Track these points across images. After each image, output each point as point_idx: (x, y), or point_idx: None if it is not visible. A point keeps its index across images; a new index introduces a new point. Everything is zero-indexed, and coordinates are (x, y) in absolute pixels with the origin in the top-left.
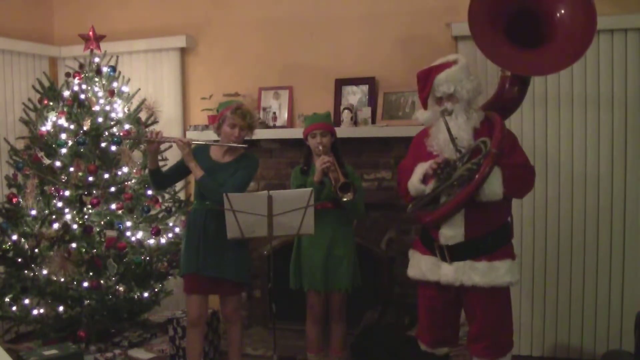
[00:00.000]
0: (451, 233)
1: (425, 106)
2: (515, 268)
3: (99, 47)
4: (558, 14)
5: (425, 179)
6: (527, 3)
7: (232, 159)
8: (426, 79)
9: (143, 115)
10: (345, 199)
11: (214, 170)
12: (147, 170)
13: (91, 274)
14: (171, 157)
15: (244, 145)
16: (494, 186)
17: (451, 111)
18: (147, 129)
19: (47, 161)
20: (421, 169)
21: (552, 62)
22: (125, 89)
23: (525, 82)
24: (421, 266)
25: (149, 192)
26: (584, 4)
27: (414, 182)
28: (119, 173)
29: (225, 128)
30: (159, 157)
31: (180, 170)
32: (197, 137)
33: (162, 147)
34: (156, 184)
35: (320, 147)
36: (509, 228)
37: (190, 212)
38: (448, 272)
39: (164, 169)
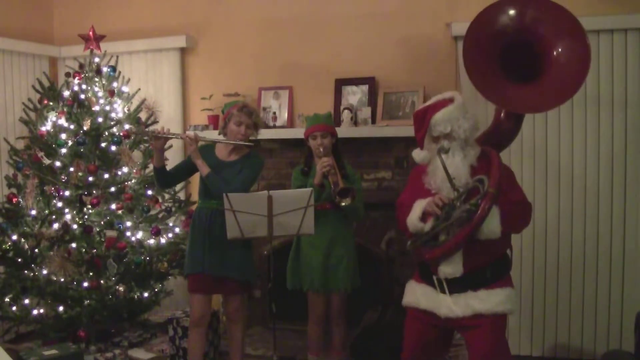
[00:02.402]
0: (450, 270)
1: (421, 145)
2: (514, 297)
3: (98, 47)
4: (554, 51)
5: (424, 217)
6: (521, 37)
7: (238, 158)
8: (423, 118)
9: (143, 115)
10: (343, 204)
11: (220, 168)
12: (151, 169)
13: (91, 274)
14: (171, 157)
15: (250, 144)
16: (492, 225)
17: (448, 149)
18: (147, 129)
19: (47, 161)
20: (419, 207)
21: (546, 100)
22: (125, 89)
23: (520, 115)
24: (417, 294)
25: (149, 192)
26: (580, 41)
27: (413, 220)
28: (119, 173)
29: (231, 126)
30: None
31: (186, 168)
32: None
33: (166, 145)
34: (161, 182)
35: (321, 149)
36: (508, 260)
37: (195, 211)
38: (448, 304)
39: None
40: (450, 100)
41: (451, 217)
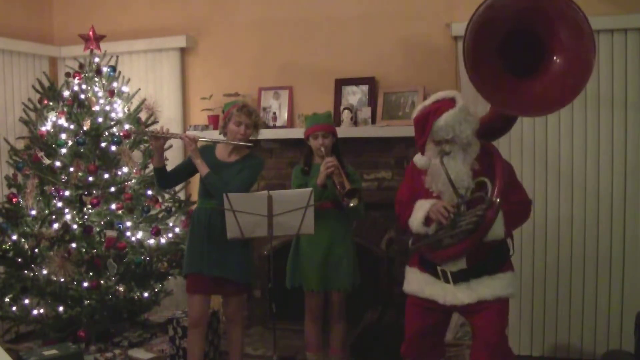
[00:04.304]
0: (454, 268)
1: (422, 151)
2: (516, 280)
3: (99, 47)
4: (557, 43)
5: (427, 220)
6: (523, 28)
7: (238, 159)
8: (424, 124)
9: (143, 115)
10: (352, 204)
11: (220, 169)
12: (151, 169)
13: (91, 274)
14: (171, 157)
15: (249, 144)
16: (497, 230)
17: (449, 152)
18: (147, 129)
19: (47, 161)
20: (422, 210)
21: (548, 100)
22: (125, 89)
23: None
24: (421, 283)
25: (149, 192)
26: (583, 33)
27: (417, 224)
28: (119, 173)
29: (231, 126)
30: None
31: (186, 169)
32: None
33: (165, 145)
34: (161, 183)
35: (323, 149)
36: (507, 246)
37: (194, 211)
38: (453, 292)
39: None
40: (451, 101)
41: (456, 225)
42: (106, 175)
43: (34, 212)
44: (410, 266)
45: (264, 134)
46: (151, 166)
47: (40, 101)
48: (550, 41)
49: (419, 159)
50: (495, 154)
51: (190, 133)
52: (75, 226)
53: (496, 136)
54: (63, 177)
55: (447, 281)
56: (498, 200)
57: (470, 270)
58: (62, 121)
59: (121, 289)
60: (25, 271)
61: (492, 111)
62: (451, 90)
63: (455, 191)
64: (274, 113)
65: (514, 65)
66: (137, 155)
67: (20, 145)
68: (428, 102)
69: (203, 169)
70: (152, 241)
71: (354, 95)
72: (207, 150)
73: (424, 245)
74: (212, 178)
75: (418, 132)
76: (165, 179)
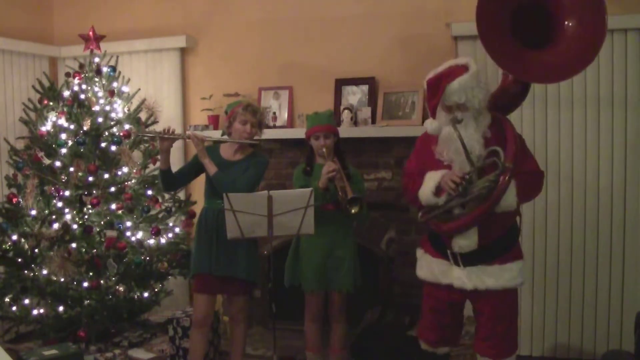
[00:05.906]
0: (466, 242)
1: (433, 114)
2: (524, 269)
3: (98, 47)
4: (567, 18)
5: (437, 190)
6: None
7: (243, 157)
8: (437, 86)
9: (143, 115)
10: (353, 211)
11: (225, 168)
12: (151, 169)
13: (91, 274)
14: (172, 158)
15: (256, 142)
16: (509, 199)
17: (461, 120)
18: (149, 129)
19: (47, 161)
20: (432, 180)
21: (558, 69)
22: (125, 89)
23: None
24: (433, 269)
25: (149, 192)
26: (594, 9)
27: (427, 194)
28: (119, 173)
29: (236, 125)
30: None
31: (193, 169)
32: None
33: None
34: (167, 184)
35: (324, 150)
36: (517, 228)
37: (201, 212)
38: (461, 276)
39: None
40: (464, 68)
41: (468, 192)
42: (106, 175)
43: (34, 212)
44: (422, 249)
45: (264, 133)
46: (151, 166)
47: (40, 101)
48: (558, 12)
49: (430, 123)
50: (506, 123)
51: (198, 133)
52: (75, 226)
53: (510, 108)
54: (63, 177)
55: (456, 263)
56: (510, 165)
57: (480, 252)
58: (62, 121)
59: (121, 289)
60: (25, 271)
61: (502, 80)
62: (464, 57)
63: (468, 157)
64: (274, 113)
65: (526, 40)
66: (137, 155)
67: (20, 145)
68: (441, 68)
69: (211, 168)
70: (152, 241)
71: (354, 95)
72: (212, 150)
73: (435, 216)
74: (220, 176)
75: (430, 94)
76: (171, 181)
